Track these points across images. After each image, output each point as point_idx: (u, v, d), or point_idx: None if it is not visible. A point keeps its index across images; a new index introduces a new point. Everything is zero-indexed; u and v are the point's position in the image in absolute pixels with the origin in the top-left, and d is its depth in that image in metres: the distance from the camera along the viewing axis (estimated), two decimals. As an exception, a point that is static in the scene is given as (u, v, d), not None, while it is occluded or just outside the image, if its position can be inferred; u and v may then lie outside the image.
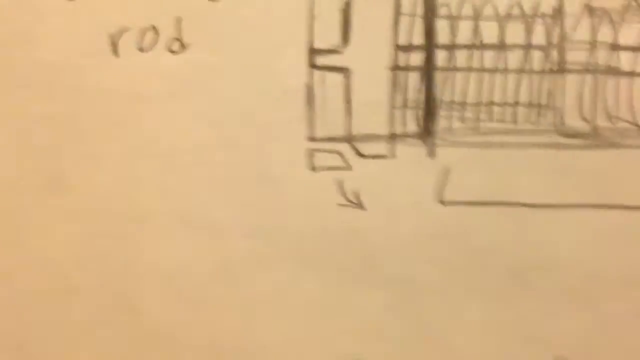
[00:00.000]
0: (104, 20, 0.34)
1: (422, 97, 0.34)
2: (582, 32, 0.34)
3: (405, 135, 0.34)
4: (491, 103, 0.34)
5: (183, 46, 0.34)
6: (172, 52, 0.34)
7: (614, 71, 0.34)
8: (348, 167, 0.34)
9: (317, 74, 0.34)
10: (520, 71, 0.34)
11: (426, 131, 0.34)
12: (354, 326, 0.34)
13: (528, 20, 0.34)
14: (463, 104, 0.34)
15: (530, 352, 0.33)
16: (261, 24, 0.34)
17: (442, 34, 0.34)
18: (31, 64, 0.34)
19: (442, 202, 0.34)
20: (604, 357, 0.33)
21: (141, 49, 0.34)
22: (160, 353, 0.34)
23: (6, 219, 0.34)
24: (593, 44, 0.34)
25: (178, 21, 0.34)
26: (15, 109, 0.34)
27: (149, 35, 0.34)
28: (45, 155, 0.34)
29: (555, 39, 0.34)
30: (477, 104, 0.34)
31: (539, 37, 0.34)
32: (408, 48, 0.34)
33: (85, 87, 0.34)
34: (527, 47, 0.34)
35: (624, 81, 0.34)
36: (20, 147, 0.34)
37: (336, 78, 0.34)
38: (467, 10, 0.34)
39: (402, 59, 0.34)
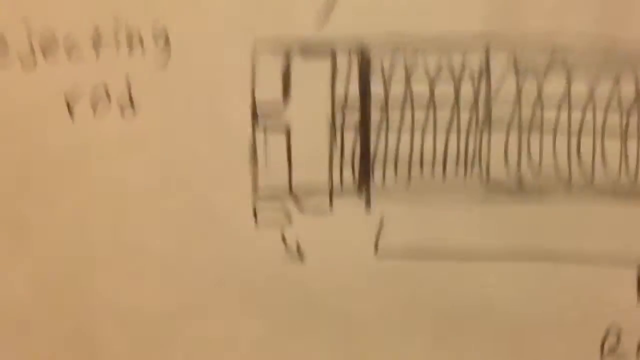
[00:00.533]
0: (60, 86, 0.36)
1: (358, 153, 0.36)
2: (507, 89, 0.36)
3: (342, 190, 0.36)
4: (422, 160, 0.36)
5: (134, 110, 0.36)
6: (124, 115, 0.36)
7: (538, 127, 0.35)
8: (289, 221, 0.36)
9: (259, 133, 0.36)
10: (449, 128, 0.36)
11: (362, 186, 0.36)
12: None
13: (456, 79, 0.36)
14: (396, 161, 0.36)
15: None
16: (206, 87, 0.36)
17: (376, 93, 0.36)
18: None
19: (378, 255, 0.36)
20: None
21: (94, 112, 0.36)
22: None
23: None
24: (518, 100, 0.36)
25: (129, 86, 0.36)
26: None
27: (103, 101, 0.36)
28: (5, 201, 0.37)
29: (481, 96, 0.36)
30: (409, 161, 0.36)
31: (466, 94, 0.36)
32: (345, 106, 0.36)
33: (44, 144, 0.36)
34: (455, 104, 0.36)
35: (547, 137, 0.35)
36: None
37: (278, 136, 0.36)
38: (399, 70, 0.36)
39: (339, 117, 0.36)
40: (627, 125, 0.35)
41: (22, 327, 0.37)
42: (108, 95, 0.36)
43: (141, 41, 0.36)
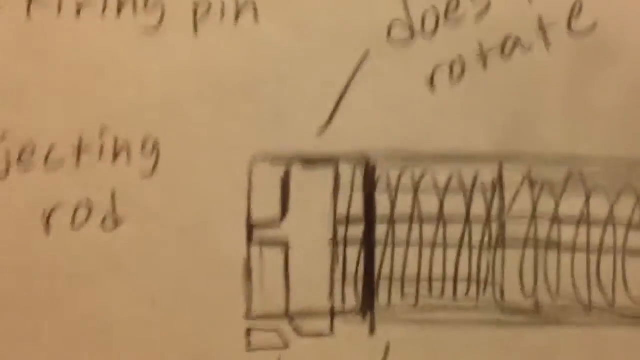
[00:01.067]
0: (37, 198, 0.33)
1: (362, 271, 0.33)
2: (522, 204, 0.33)
3: (344, 311, 0.33)
4: (430, 278, 0.33)
5: (117, 222, 0.33)
6: (106, 228, 0.33)
7: (555, 245, 0.33)
8: (286, 346, 0.33)
9: (255, 248, 0.33)
10: (460, 245, 0.33)
11: (366, 307, 0.33)
12: None
13: (467, 192, 0.33)
14: (403, 279, 0.33)
15: None
16: (197, 198, 0.33)
17: (381, 206, 0.34)
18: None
19: (383, 382, 0.33)
20: None
21: (74, 226, 0.33)
22: None
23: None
24: (533, 217, 0.33)
25: (112, 196, 0.33)
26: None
27: (82, 212, 0.33)
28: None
29: (494, 211, 0.33)
30: (417, 279, 0.33)
31: (478, 209, 0.33)
32: (347, 220, 0.34)
33: (18, 265, 0.33)
34: (467, 219, 0.33)
35: (565, 256, 0.33)
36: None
37: (275, 252, 0.33)
38: (406, 182, 0.34)
39: (341, 232, 0.33)
40: (649, 244, 0.33)
41: None
42: (89, 207, 0.33)
43: (128, 151, 0.33)
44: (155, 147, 0.33)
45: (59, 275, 0.33)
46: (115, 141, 0.33)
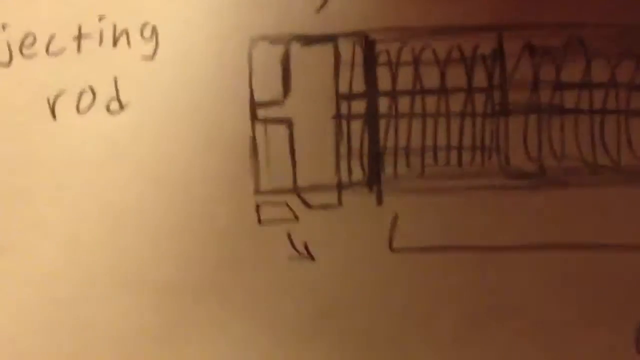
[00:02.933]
0: (41, 84, 0.33)
1: (367, 144, 0.34)
2: (523, 72, 0.33)
3: (351, 184, 0.33)
4: (436, 147, 0.34)
5: (121, 106, 0.33)
6: (111, 112, 0.33)
7: (558, 109, 0.33)
8: (296, 219, 0.33)
9: (259, 126, 0.34)
10: (463, 114, 0.33)
11: (372, 178, 0.34)
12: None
13: (468, 63, 0.33)
14: (408, 150, 0.34)
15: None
16: (199, 79, 0.33)
17: (383, 80, 0.34)
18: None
19: (392, 250, 0.33)
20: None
21: (79, 111, 0.33)
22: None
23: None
24: (535, 84, 0.33)
25: (115, 81, 0.33)
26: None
27: (86, 97, 0.33)
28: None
29: (496, 80, 0.33)
30: (422, 149, 0.33)
31: (480, 79, 0.33)
32: (349, 96, 0.34)
33: (24, 152, 0.33)
34: (469, 89, 0.33)
35: (568, 119, 0.33)
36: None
37: (279, 129, 0.34)
38: (406, 55, 0.34)
39: (344, 107, 0.34)
40: (652, 102, 0.33)
41: (14, 355, 0.34)
42: (93, 92, 0.34)
43: (127, 36, 0.33)
44: (154, 33, 0.34)
45: (67, 159, 0.33)
46: (114, 28, 0.34)
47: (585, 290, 0.33)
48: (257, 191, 0.34)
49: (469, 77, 0.34)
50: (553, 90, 0.33)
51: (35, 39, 0.34)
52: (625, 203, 0.33)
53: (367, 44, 0.34)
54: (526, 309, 0.33)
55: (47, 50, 0.34)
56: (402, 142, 0.34)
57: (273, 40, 0.33)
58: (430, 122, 0.34)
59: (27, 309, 0.34)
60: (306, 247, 0.33)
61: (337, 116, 0.34)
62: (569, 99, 0.33)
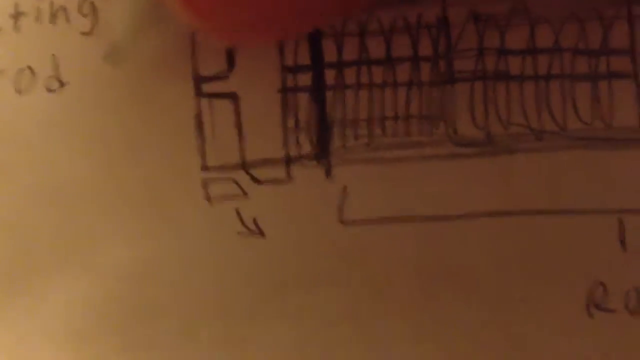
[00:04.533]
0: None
1: (314, 117, 0.33)
2: (468, 40, 0.33)
3: (300, 157, 0.33)
4: (383, 118, 0.33)
5: (61, 84, 0.33)
6: (51, 91, 0.33)
7: (503, 76, 0.33)
8: (244, 195, 0.33)
9: (204, 101, 0.33)
10: (410, 84, 0.33)
11: (321, 151, 0.33)
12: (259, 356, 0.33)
13: (413, 32, 0.33)
14: (356, 121, 0.33)
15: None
16: (140, 57, 0.33)
17: (329, 52, 0.33)
18: None
19: (343, 222, 0.33)
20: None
21: (19, 91, 0.33)
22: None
23: None
24: (480, 51, 0.33)
25: (54, 59, 0.33)
26: None
27: (26, 75, 0.33)
28: None
29: (441, 49, 0.33)
30: (370, 120, 0.33)
31: (425, 49, 0.33)
32: (295, 69, 0.33)
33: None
34: (414, 59, 0.33)
35: (513, 85, 0.33)
36: None
37: (225, 104, 0.33)
38: (352, 27, 0.33)
39: (290, 80, 0.33)
40: (596, 66, 0.33)
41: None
42: (32, 71, 0.33)
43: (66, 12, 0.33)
44: (93, 9, 0.33)
45: (8, 140, 0.33)
46: (51, 5, 0.33)
47: (535, 255, 0.33)
48: (204, 168, 0.33)
49: (415, 46, 0.33)
50: (498, 57, 0.33)
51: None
52: (572, 167, 0.33)
53: (311, 16, 0.33)
54: (477, 275, 0.33)
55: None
56: (350, 114, 0.33)
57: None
58: (377, 93, 0.33)
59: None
60: (255, 223, 0.33)
61: (283, 89, 0.33)
62: (514, 65, 0.33)
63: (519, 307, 0.33)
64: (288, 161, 0.33)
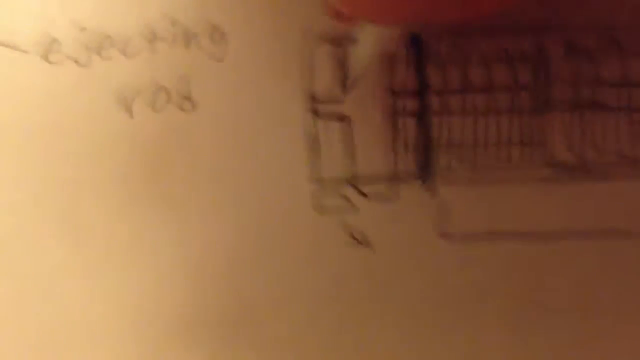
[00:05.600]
0: (116, 83, 0.36)
1: (420, 140, 0.36)
2: (564, 71, 0.36)
3: (406, 176, 0.36)
4: (485, 143, 0.36)
5: (193, 105, 0.36)
6: (183, 110, 0.36)
7: (599, 106, 0.36)
8: (353, 208, 0.36)
9: (319, 122, 0.36)
10: (510, 111, 0.36)
11: (425, 171, 0.36)
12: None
13: (513, 63, 0.36)
14: (459, 145, 0.36)
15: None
16: (263, 79, 0.36)
17: (434, 79, 0.36)
18: (50, 129, 0.37)
19: (446, 238, 0.36)
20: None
21: (154, 109, 0.36)
22: None
23: None
24: (576, 82, 0.36)
25: (187, 81, 0.36)
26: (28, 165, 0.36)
27: (161, 96, 0.36)
28: (62, 203, 0.36)
29: (540, 79, 0.36)
30: (473, 145, 0.36)
31: (524, 78, 0.36)
32: (403, 94, 0.36)
33: (103, 144, 0.36)
34: (514, 88, 0.36)
35: (608, 115, 0.36)
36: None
37: (337, 125, 0.36)
38: (455, 54, 0.36)
39: (399, 105, 0.36)
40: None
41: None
42: (167, 91, 0.36)
43: (196, 37, 0.36)
44: (223, 35, 0.36)
45: (142, 153, 0.36)
46: (184, 30, 0.36)
47: (623, 277, 0.35)
48: (316, 181, 0.36)
49: (515, 76, 0.36)
50: (593, 88, 0.36)
51: (110, 41, 0.36)
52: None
53: (418, 42, 0.36)
54: (569, 292, 0.35)
55: (122, 51, 0.36)
56: (454, 138, 0.36)
57: (333, 40, 0.36)
58: (480, 119, 0.36)
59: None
60: (362, 235, 0.36)
61: (392, 113, 0.36)
62: (609, 96, 0.36)
63: (608, 327, 0.35)
64: (395, 179, 0.36)
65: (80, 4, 0.36)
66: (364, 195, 0.36)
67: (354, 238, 0.36)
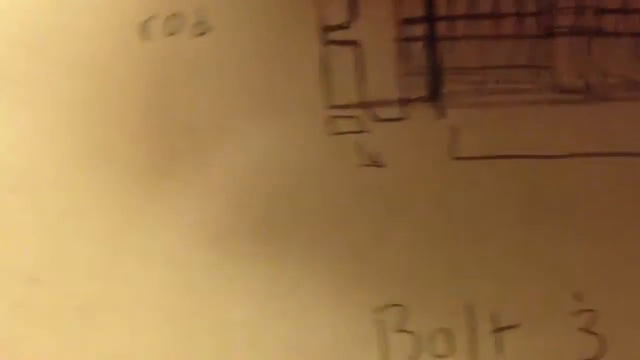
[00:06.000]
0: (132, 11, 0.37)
1: (429, 64, 0.37)
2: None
3: (415, 100, 0.37)
4: (492, 67, 0.37)
5: (208, 28, 0.37)
6: (199, 34, 0.37)
7: (601, 32, 0.37)
8: (365, 130, 0.37)
9: (330, 48, 0.37)
10: (516, 36, 0.37)
11: (434, 95, 0.37)
12: (384, 275, 0.36)
13: (519, -10, 0.37)
14: (466, 69, 0.37)
15: (549, 291, 0.36)
16: (274, 7, 0.36)
17: (442, 6, 0.37)
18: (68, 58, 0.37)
19: (454, 158, 0.36)
20: (620, 290, 0.36)
21: (167, 33, 0.37)
22: None
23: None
24: (580, 9, 0.37)
25: (203, 6, 0.37)
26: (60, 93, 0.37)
27: (176, 20, 0.37)
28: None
29: (545, 5, 0.37)
30: (480, 68, 0.37)
31: (530, 4, 0.37)
32: (411, 21, 0.37)
33: (118, 70, 0.37)
34: (521, 13, 0.37)
35: (610, 41, 0.37)
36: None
37: (348, 51, 0.37)
38: (463, -18, 0.37)
39: (408, 30, 0.37)
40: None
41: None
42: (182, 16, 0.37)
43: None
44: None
45: (153, 80, 0.37)
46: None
47: (625, 194, 0.36)
48: (329, 106, 0.37)
49: (521, 2, 0.37)
50: (597, 15, 0.37)
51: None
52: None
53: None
54: (574, 209, 0.36)
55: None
56: (461, 62, 0.37)
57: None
58: (486, 44, 0.37)
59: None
60: (375, 155, 0.37)
61: (400, 39, 0.37)
62: (611, 22, 0.37)
63: (610, 239, 0.36)
64: (404, 102, 0.37)
65: None
66: (376, 118, 0.37)
67: (368, 159, 0.36)
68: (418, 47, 0.37)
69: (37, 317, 0.36)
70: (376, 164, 0.37)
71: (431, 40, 0.37)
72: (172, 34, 0.37)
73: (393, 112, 0.37)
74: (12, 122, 0.37)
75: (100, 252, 0.37)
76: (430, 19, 0.37)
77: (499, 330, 0.37)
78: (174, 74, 0.37)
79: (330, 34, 0.37)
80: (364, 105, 0.37)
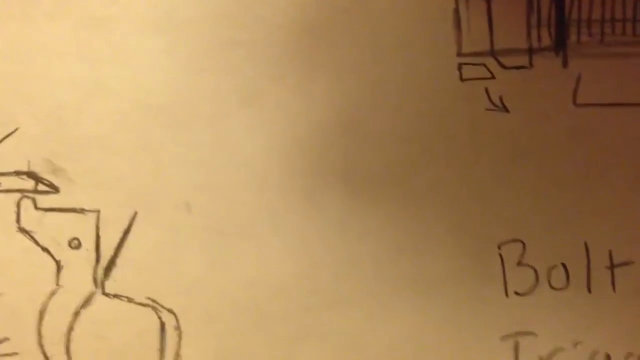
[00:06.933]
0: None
1: (554, 15, 0.40)
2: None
3: (541, 49, 0.39)
4: (613, 19, 0.39)
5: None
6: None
7: None
8: (492, 77, 0.39)
9: (462, 1, 0.40)
10: (639, -9, 0.39)
11: (559, 45, 0.40)
12: (506, 213, 0.39)
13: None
14: (590, 21, 0.39)
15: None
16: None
17: (569, -38, 0.40)
18: None
19: (576, 105, 0.39)
20: None
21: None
22: None
23: None
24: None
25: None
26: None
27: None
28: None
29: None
30: (602, 20, 0.39)
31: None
32: (540, -26, 0.40)
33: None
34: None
35: None
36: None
37: (479, 2, 0.40)
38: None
39: (535, -17, 0.40)
40: None
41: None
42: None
43: None
44: None
45: (306, 24, 0.40)
46: None
47: None
48: (459, 54, 0.40)
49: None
50: None
51: None
52: None
53: None
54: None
55: None
56: (585, 15, 0.39)
57: None
58: (609, -2, 0.39)
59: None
60: (501, 101, 0.39)
61: (529, -8, 0.40)
62: None
63: None
64: (530, 51, 0.39)
65: None
66: (503, 65, 0.39)
67: (493, 103, 0.39)
68: (545, 0, 0.40)
69: (188, 240, 0.40)
70: (502, 109, 0.39)
71: (557, -7, 0.39)
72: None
73: (520, 60, 0.39)
74: (168, 65, 0.40)
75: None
76: (556, -26, 0.39)
77: (613, 266, 0.40)
78: (323, 23, 0.40)
79: (462, -14, 0.40)
80: (492, 53, 0.40)
